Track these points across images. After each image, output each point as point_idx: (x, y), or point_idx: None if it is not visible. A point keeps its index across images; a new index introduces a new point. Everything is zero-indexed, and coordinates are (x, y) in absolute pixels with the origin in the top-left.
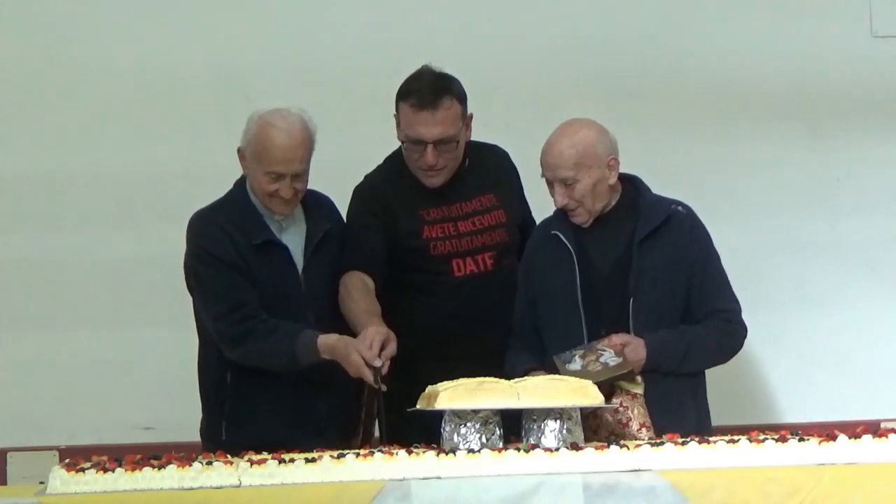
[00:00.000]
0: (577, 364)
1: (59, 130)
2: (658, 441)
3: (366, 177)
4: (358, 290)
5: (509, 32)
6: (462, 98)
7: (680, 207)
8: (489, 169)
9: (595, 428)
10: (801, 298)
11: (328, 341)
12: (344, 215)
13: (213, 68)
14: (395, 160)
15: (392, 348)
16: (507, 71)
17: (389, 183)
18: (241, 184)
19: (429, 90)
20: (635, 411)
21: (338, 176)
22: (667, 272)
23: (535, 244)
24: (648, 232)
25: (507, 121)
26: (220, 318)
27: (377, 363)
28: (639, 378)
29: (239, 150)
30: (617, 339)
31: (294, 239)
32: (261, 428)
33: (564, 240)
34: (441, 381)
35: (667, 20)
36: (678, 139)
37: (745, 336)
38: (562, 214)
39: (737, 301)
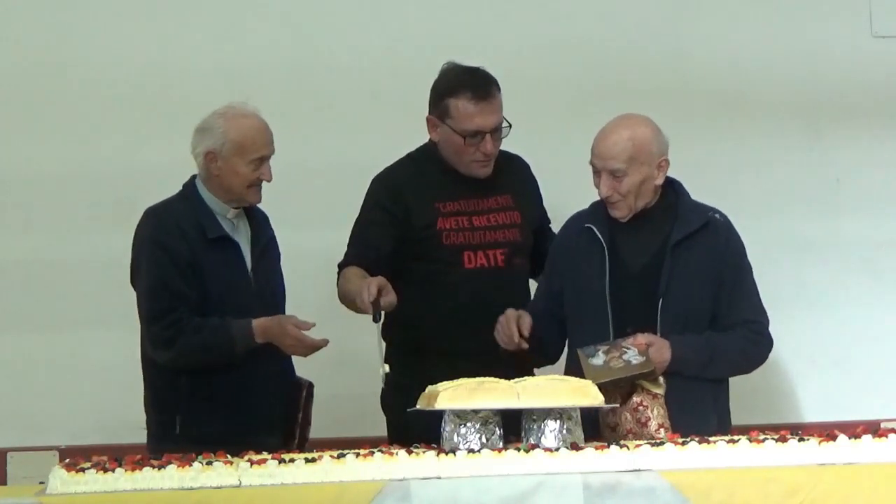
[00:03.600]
0: (599, 359)
1: (59, 130)
2: (658, 441)
3: (385, 168)
4: (354, 276)
5: (510, 32)
6: (500, 88)
7: (717, 215)
8: (510, 173)
9: (613, 425)
10: (801, 298)
11: (262, 322)
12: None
13: (213, 68)
14: (417, 157)
15: (391, 298)
16: (507, 71)
17: (408, 176)
18: (190, 184)
19: (481, 83)
20: (654, 411)
21: (337, 175)
22: (698, 277)
23: (566, 235)
24: (685, 235)
25: (509, 119)
26: (153, 319)
27: (370, 298)
28: (661, 379)
29: (209, 154)
30: (642, 338)
31: (243, 238)
32: (213, 424)
33: (598, 234)
34: (445, 375)
35: (667, 20)
36: (678, 139)
37: (770, 349)
38: (598, 208)
39: (765, 314)
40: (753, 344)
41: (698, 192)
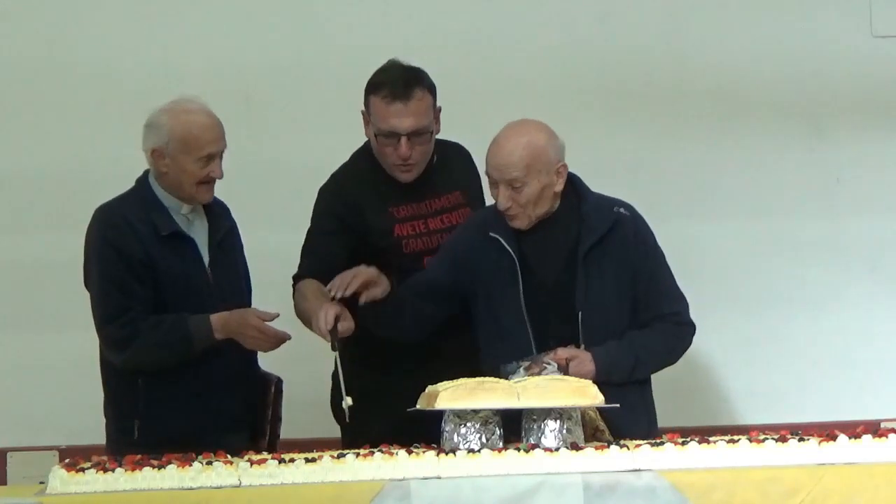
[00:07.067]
0: (520, 375)
1: (59, 130)
2: (658, 441)
3: (332, 175)
4: (311, 292)
5: (508, 34)
6: (432, 89)
7: (622, 209)
8: (456, 167)
9: None
10: (801, 298)
11: (221, 316)
12: None
13: (213, 68)
14: (361, 156)
15: (349, 324)
16: (506, 72)
17: (356, 180)
18: (143, 180)
19: (401, 81)
20: (586, 417)
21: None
22: (614, 283)
23: (470, 240)
24: (594, 242)
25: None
26: (108, 319)
27: (327, 326)
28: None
29: (154, 151)
30: (563, 353)
31: (199, 234)
32: (174, 425)
33: (506, 245)
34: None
35: (667, 20)
36: (678, 139)
37: (692, 335)
38: (499, 216)
39: (683, 300)
40: (675, 336)
41: (697, 193)
